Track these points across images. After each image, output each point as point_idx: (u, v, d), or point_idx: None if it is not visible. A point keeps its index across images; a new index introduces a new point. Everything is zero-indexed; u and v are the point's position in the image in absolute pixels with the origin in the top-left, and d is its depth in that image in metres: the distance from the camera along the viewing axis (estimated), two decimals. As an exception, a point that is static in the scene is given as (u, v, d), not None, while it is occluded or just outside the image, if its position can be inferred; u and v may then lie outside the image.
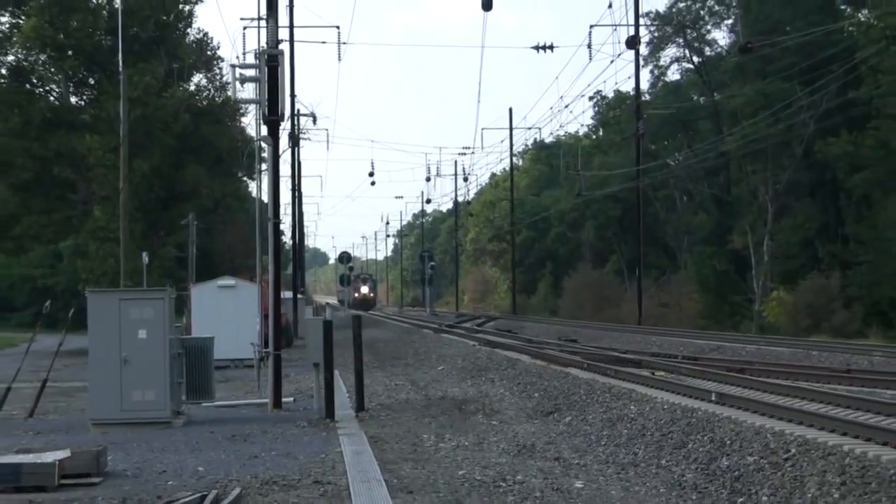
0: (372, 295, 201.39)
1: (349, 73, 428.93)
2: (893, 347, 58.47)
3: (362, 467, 24.57)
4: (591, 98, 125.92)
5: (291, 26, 63.05)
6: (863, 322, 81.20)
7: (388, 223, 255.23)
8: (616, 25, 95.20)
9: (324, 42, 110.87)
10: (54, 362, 38.67)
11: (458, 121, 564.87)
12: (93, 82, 74.93)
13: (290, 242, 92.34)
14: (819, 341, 65.87)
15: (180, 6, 77.41)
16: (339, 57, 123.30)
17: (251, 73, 40.83)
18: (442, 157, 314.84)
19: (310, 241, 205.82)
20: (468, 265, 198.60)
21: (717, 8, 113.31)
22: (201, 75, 79.37)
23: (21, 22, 72.97)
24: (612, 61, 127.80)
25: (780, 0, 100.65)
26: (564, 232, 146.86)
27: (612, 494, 21.93)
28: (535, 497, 21.52)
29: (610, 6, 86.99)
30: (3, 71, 76.89)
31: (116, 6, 66.07)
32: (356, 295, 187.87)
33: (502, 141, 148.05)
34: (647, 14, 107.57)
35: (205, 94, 78.63)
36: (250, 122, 62.92)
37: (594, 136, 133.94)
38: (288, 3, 63.07)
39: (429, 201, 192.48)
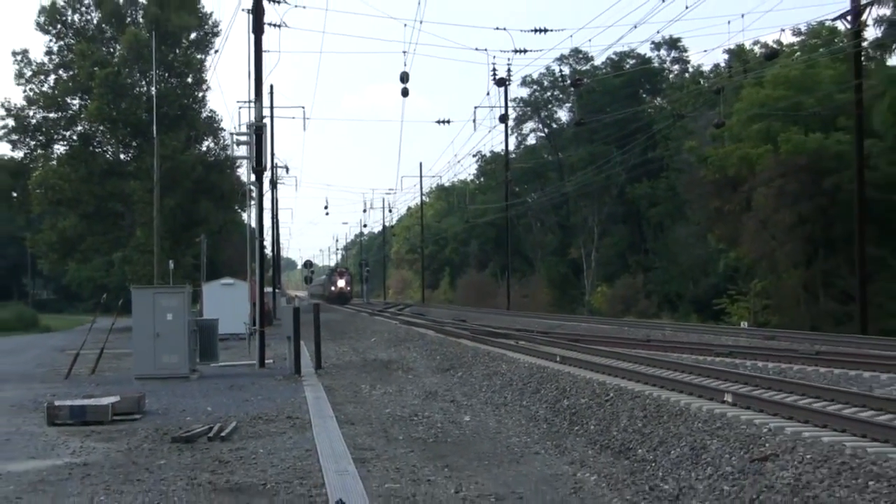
0: (349, 289, 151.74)
1: (311, 137, 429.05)
2: (677, 325, 58.91)
3: (319, 407, 24.57)
4: (474, 156, 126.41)
5: (272, 107, 62.67)
6: (658, 308, 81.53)
7: (337, 240, 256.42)
8: (492, 107, 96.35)
9: (293, 117, 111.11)
10: (109, 336, 38.37)
11: (386, 170, 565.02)
12: (135, 145, 74.55)
13: (271, 253, 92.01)
14: (628, 321, 66.07)
15: (195, 93, 77.30)
16: (304, 127, 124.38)
17: (244, 139, 41.03)
18: (374, 196, 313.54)
19: (284, 253, 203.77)
20: (392, 269, 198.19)
21: (560, 95, 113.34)
22: (210, 140, 78.98)
23: (87, 104, 72.62)
24: (489, 131, 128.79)
25: (602, 90, 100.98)
26: (457, 247, 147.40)
27: (489, 425, 21.97)
28: (437, 426, 21.57)
29: (488, 94, 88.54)
30: (75, 137, 76.53)
31: (153, 93, 65.86)
32: (332, 289, 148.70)
33: (415, 185, 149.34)
34: (514, 99, 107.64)
35: (212, 153, 78.26)
36: (243, 172, 62.64)
37: (477, 182, 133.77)
38: (269, 91, 62.71)
39: (365, 226, 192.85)
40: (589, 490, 15.17)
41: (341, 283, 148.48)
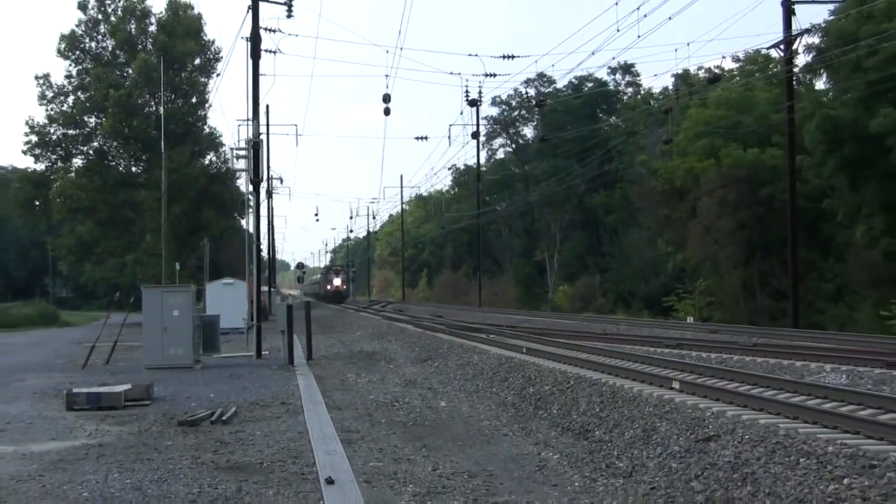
0: (345, 287, 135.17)
1: (303, 152, 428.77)
2: (631, 320, 59.02)
3: (310, 394, 24.55)
4: (449, 169, 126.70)
5: (268, 124, 62.61)
6: (613, 305, 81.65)
7: (326, 244, 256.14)
8: (465, 125, 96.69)
9: (287, 134, 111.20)
10: (121, 330, 38.30)
11: (370, 181, 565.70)
12: (145, 158, 74.74)
13: (267, 256, 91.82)
14: (587, 316, 66.21)
15: (199, 112, 77.49)
16: (297, 143, 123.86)
17: (243, 153, 41.14)
18: (360, 204, 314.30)
19: (279, 255, 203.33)
20: (376, 270, 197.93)
21: (526, 114, 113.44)
22: (212, 154, 79.12)
23: (102, 122, 72.96)
24: (463, 146, 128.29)
25: (564, 110, 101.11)
26: (434, 250, 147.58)
27: (463, 410, 21.97)
28: (416, 411, 21.56)
29: (461, 113, 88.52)
30: (91, 151, 76.89)
31: (161, 113, 65.91)
32: (328, 287, 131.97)
33: (396, 195, 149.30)
34: (485, 117, 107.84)
35: (214, 165, 78.36)
36: (242, 183, 62.73)
37: (452, 192, 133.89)
38: (265, 110, 62.59)
39: (351, 231, 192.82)
40: (552, 468, 15.21)
41: (337, 281, 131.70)
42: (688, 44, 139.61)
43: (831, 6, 52.31)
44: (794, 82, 51.47)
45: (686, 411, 16.70)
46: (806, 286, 51.39)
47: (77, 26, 76.61)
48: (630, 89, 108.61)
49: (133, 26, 76.79)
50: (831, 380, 20.89)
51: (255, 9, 39.66)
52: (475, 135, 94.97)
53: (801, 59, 55.39)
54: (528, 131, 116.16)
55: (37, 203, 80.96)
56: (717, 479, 12.87)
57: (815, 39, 55.00)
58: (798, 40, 49.93)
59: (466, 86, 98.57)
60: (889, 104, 47.55)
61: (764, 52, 62.33)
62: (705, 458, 13.85)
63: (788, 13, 46.88)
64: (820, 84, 58.48)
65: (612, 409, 18.63)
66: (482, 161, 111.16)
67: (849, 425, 14.57)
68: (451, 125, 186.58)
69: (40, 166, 78.61)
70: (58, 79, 76.58)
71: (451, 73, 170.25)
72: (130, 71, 74.34)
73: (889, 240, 49.89)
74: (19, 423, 20.52)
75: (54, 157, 77.72)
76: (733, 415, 16.02)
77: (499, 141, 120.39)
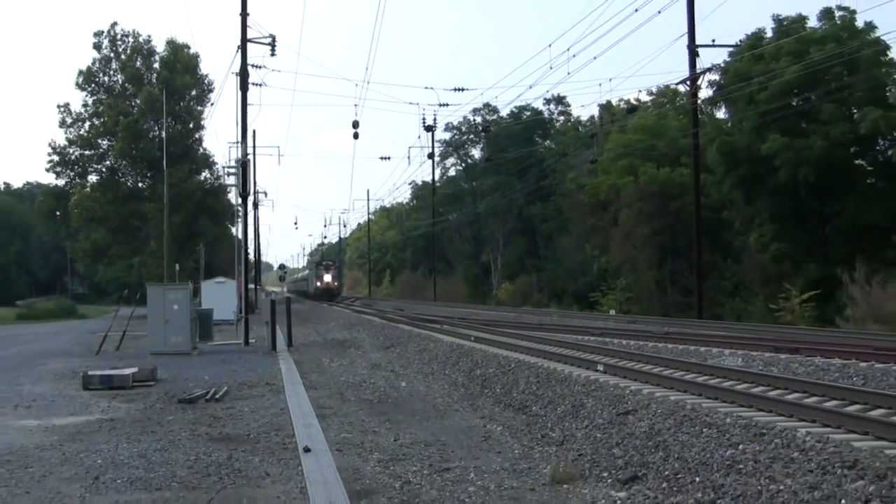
0: (336, 284, 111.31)
1: (285, 169, 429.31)
2: (563, 312, 59.22)
3: (290, 376, 24.51)
4: (409, 184, 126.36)
5: (254, 146, 62.07)
6: (548, 300, 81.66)
7: (304, 248, 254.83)
8: (422, 147, 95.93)
9: (271, 154, 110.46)
10: (129, 322, 38.13)
11: (342, 195, 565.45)
12: (150, 175, 74.63)
13: (253, 258, 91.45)
14: (526, 310, 66.22)
15: (195, 136, 77.72)
16: (279, 162, 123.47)
17: (233, 171, 40.88)
18: (332, 214, 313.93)
19: (263, 258, 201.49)
20: (346, 270, 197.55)
21: (474, 138, 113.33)
22: (206, 172, 78.97)
23: (113, 144, 73.30)
24: (420, 165, 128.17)
25: (506, 135, 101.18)
26: (396, 253, 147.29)
27: (420, 389, 21.98)
28: (381, 390, 21.57)
29: (419, 137, 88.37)
30: (104, 169, 77.26)
31: (163, 136, 65.94)
32: (318, 284, 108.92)
33: (363, 206, 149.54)
34: (439, 141, 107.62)
35: (208, 181, 78.15)
36: (233, 196, 62.61)
37: (411, 204, 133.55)
38: (252, 134, 62.08)
39: (325, 237, 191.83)
40: (496, 438, 15.23)
41: (328, 277, 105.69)
42: (610, 79, 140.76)
43: (729, 49, 52.67)
44: (699, 112, 51.87)
45: (609, 390, 16.75)
46: (708, 284, 51.68)
47: (93, 63, 76.92)
48: (562, 117, 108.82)
49: (140, 63, 77.08)
50: (729, 362, 20.99)
51: (243, 48, 39.69)
52: (431, 155, 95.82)
53: (704, 93, 55.92)
54: (476, 152, 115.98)
55: (57, 213, 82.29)
56: (635, 446, 12.92)
57: (716, 76, 55.48)
58: (701, 77, 50.35)
59: (423, 114, 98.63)
60: (777, 131, 48.03)
61: (673, 87, 62.92)
62: (625, 429, 13.91)
63: (693, 55, 47.21)
64: (720, 114, 58.91)
65: (547, 388, 18.66)
66: (437, 178, 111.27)
67: (743, 400, 14.67)
68: (410, 147, 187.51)
69: (61, 182, 79.15)
70: (76, 107, 77.03)
71: (411, 103, 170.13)
72: (137, 101, 74.53)
73: (777, 245, 50.44)
74: (43, 400, 20.54)
75: (72, 174, 78.12)
76: (648, 392, 16.08)
77: (451, 160, 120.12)
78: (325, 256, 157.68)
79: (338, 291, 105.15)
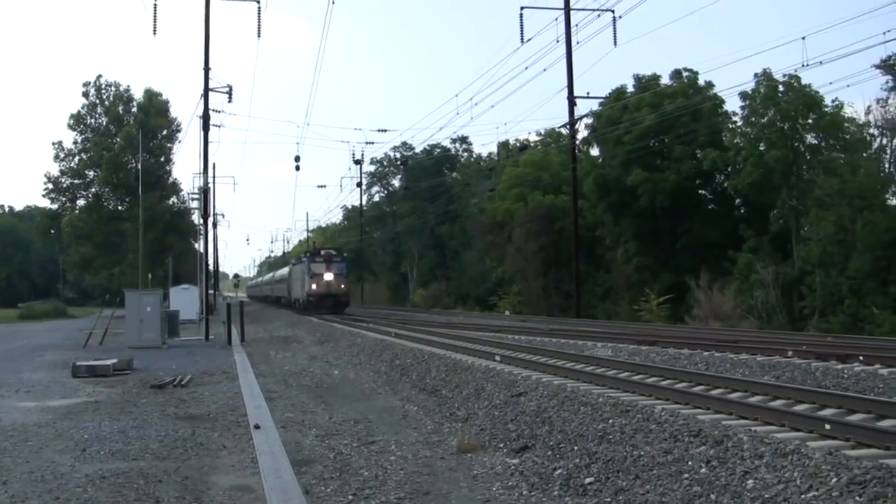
0: (343, 287, 56.39)
1: (239, 196, 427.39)
2: (467, 313, 59.50)
3: (243, 366, 24.24)
4: (341, 208, 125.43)
5: (214, 176, 61.07)
6: (455, 303, 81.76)
7: (255, 261, 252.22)
8: (352, 177, 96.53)
9: (228, 182, 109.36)
10: (111, 321, 37.47)
11: (285, 216, 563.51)
12: (128, 200, 73.97)
13: (212, 269, 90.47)
14: (437, 311, 66.33)
15: (166, 168, 77.56)
16: (234, 189, 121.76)
17: (196, 197, 40.69)
18: (278, 232, 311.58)
19: (221, 268, 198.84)
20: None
21: (394, 170, 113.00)
22: (174, 197, 78.27)
23: (98, 175, 73.31)
24: (350, 192, 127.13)
25: (420, 168, 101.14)
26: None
27: (350, 377, 21.88)
28: (317, 378, 21.48)
29: (350, 168, 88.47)
30: (90, 195, 77.19)
31: (139, 168, 65.45)
32: (314, 287, 54.96)
33: (303, 226, 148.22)
34: (366, 172, 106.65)
35: (176, 205, 77.53)
36: (196, 217, 62.26)
37: (343, 224, 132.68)
38: (212, 166, 61.63)
39: (272, 251, 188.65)
40: (412, 416, 15.22)
41: (329, 275, 55.57)
42: (506, 123, 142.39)
43: (600, 100, 53.25)
44: (577, 150, 52.37)
45: (505, 376, 16.81)
46: (585, 289, 52.13)
47: (82, 108, 77.08)
48: (466, 154, 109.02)
49: (120, 108, 77.10)
50: (601, 353, 21.18)
51: (206, 97, 39.41)
52: (359, 184, 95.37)
53: (582, 134, 56.57)
54: (396, 182, 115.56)
55: (52, 231, 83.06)
56: (526, 422, 12.98)
57: (591, 121, 56.12)
58: (579, 122, 51.06)
59: (353, 150, 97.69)
60: (639, 166, 48.95)
61: (557, 129, 63.30)
62: (517, 408, 13.97)
63: (572, 105, 47.72)
64: (594, 151, 59.47)
65: (454, 375, 18.67)
66: (364, 202, 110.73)
67: (612, 384, 14.86)
68: (342, 177, 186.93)
69: (55, 206, 78.97)
70: (68, 144, 77.19)
71: (343, 141, 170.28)
72: (118, 139, 74.44)
73: (638, 258, 51.40)
74: (40, 386, 20.36)
75: (64, 199, 77.86)
76: (536, 378, 16.17)
77: (375, 188, 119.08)
78: (271, 267, 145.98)
79: (347, 299, 58.91)
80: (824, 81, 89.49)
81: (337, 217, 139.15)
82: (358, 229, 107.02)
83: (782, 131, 43.00)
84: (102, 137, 75.28)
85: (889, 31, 32.54)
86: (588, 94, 51.20)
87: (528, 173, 65.98)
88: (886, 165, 43.83)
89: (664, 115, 46.70)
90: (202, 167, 39.61)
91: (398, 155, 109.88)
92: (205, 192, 38.72)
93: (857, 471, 7.65)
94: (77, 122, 76.39)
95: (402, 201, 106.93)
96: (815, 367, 16.00)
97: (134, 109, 77.17)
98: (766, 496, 7.72)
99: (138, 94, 77.52)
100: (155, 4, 41.99)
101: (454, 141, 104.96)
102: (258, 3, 42.02)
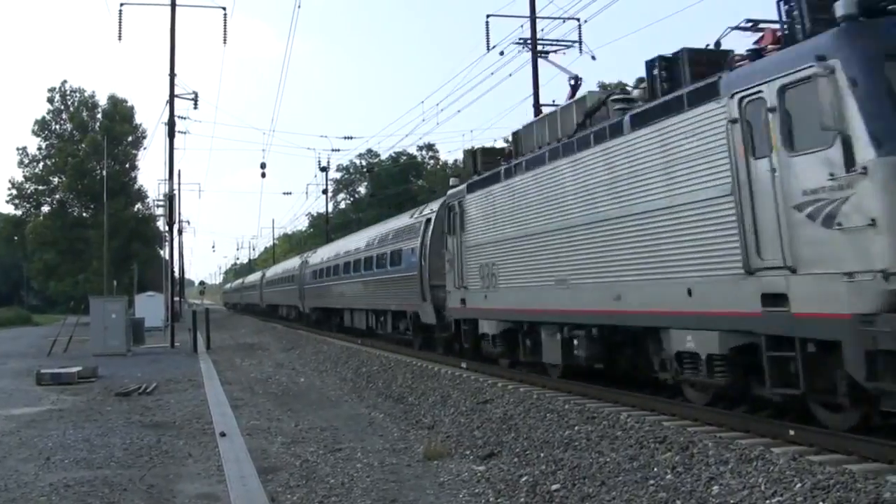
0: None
1: (204, 202, 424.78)
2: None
3: (209, 373, 24.03)
4: (307, 215, 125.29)
5: (179, 183, 60.69)
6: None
7: (220, 268, 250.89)
8: (318, 184, 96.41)
9: (193, 189, 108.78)
10: (75, 328, 37.08)
11: (251, 223, 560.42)
12: (93, 207, 73.36)
13: (178, 276, 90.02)
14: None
15: (131, 174, 77.10)
16: (200, 196, 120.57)
17: (161, 203, 40.44)
18: (244, 239, 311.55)
19: (186, 276, 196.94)
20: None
21: (360, 177, 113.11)
22: (140, 204, 77.80)
23: (63, 181, 73.12)
24: (316, 199, 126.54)
25: (386, 175, 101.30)
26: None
27: (316, 384, 21.74)
28: (284, 385, 21.33)
29: (315, 175, 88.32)
30: (55, 202, 76.54)
31: (104, 175, 64.90)
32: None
33: (269, 233, 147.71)
34: (332, 179, 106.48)
35: (141, 212, 77.03)
36: (161, 224, 62.03)
37: (309, 231, 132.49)
38: (178, 173, 61.17)
39: (238, 258, 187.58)
40: (378, 423, 15.14)
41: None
42: (471, 130, 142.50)
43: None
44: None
45: (471, 383, 16.84)
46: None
47: (47, 114, 76.51)
48: (432, 161, 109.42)
49: (85, 114, 76.77)
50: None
51: (171, 103, 38.95)
52: (325, 191, 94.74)
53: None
54: (362, 189, 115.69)
55: (16, 238, 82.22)
56: (492, 429, 12.97)
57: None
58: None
59: (319, 157, 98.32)
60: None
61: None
62: (484, 415, 13.96)
63: (538, 113, 47.46)
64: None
65: (420, 382, 18.66)
66: (329, 209, 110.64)
67: (579, 390, 14.84)
68: (308, 184, 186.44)
69: (19, 212, 78.78)
70: (32, 150, 76.68)
71: (309, 148, 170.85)
72: (83, 146, 73.95)
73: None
74: (3, 394, 19.98)
75: (28, 205, 77.36)
76: (502, 385, 16.21)
77: (341, 195, 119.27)
78: (237, 273, 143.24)
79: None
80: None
81: (303, 224, 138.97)
82: (324, 236, 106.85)
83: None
84: (67, 143, 74.69)
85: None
86: (553, 101, 51.25)
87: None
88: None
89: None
90: (167, 174, 39.11)
91: (364, 162, 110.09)
92: (170, 199, 38.35)
93: (820, 476, 7.73)
94: (42, 127, 75.79)
95: (368, 208, 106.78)
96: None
97: (99, 116, 76.84)
98: (732, 502, 7.76)
99: (103, 101, 77.17)
100: (120, 10, 41.29)
101: (420, 148, 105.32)
102: (224, 9, 41.80)
